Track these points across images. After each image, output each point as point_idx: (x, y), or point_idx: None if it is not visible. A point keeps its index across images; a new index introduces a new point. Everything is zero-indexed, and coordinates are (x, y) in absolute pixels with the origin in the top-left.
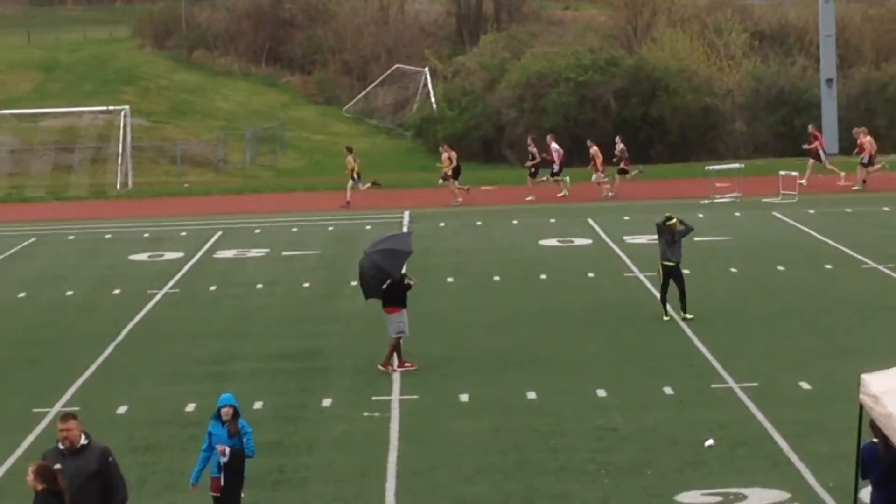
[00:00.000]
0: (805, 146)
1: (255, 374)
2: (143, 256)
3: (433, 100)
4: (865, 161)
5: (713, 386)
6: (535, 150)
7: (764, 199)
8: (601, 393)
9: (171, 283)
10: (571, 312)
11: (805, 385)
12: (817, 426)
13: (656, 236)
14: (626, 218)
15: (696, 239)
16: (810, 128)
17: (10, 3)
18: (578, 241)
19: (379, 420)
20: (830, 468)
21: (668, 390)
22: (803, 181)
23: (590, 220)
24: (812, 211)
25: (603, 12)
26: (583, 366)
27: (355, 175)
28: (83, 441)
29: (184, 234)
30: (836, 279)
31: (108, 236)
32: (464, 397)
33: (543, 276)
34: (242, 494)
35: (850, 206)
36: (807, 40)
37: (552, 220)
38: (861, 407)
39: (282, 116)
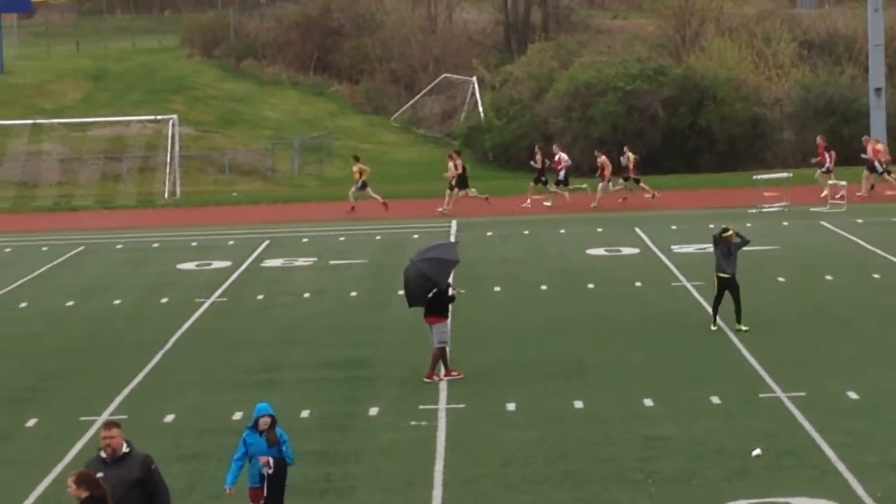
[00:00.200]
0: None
1: (302, 382)
2: (190, 265)
3: (481, 109)
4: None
5: (761, 395)
6: (539, 157)
7: (812, 209)
8: (648, 402)
9: (218, 292)
10: (618, 322)
11: (853, 394)
12: (865, 436)
13: (704, 246)
14: (673, 227)
15: (744, 248)
16: (865, 139)
17: (60, 12)
18: (626, 251)
19: (426, 429)
20: (878, 478)
21: (715, 400)
22: (861, 192)
23: (637, 230)
24: (860, 220)
25: (651, 21)
26: (630, 375)
27: (360, 183)
28: (125, 449)
29: (231, 242)
30: (883, 288)
31: (155, 245)
32: (511, 406)
33: (591, 286)
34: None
35: None
36: (856, 49)
37: (599, 230)
38: None
39: (329, 125)
